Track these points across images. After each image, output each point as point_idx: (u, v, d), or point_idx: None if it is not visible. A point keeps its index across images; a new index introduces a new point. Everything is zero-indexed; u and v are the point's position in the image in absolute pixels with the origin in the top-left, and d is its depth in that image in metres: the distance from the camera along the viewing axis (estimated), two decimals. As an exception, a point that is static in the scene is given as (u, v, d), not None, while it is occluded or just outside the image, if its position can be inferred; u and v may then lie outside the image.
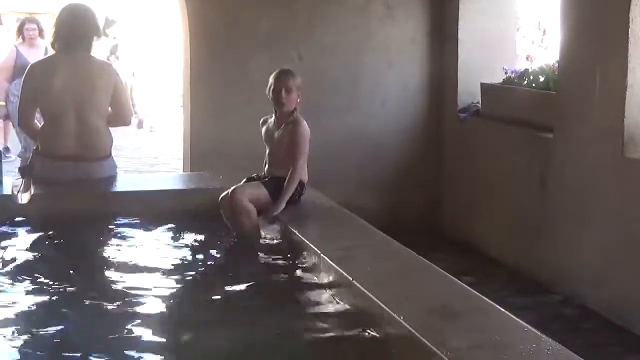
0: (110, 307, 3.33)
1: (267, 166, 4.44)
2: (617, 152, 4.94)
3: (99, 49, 5.10)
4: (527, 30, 13.19)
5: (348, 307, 3.17)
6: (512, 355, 2.48)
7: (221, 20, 6.63)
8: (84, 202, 4.53)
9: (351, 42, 6.88)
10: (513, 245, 6.07)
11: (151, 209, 4.56)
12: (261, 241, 4.19)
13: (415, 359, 2.61)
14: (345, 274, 3.25)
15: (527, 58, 7.64)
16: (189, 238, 4.34)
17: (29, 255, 4.00)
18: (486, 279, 5.52)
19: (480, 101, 6.69)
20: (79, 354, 2.90)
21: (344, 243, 3.72)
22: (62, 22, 4.88)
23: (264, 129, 4.47)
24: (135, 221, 4.49)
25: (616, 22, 4.92)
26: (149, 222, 4.46)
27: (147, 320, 3.20)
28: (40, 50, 8.27)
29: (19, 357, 2.88)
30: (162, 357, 2.91)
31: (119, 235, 4.38)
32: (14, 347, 2.94)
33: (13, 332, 3.04)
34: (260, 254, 4.07)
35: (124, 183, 5.05)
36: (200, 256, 4.13)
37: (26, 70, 4.97)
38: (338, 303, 3.25)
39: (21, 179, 4.58)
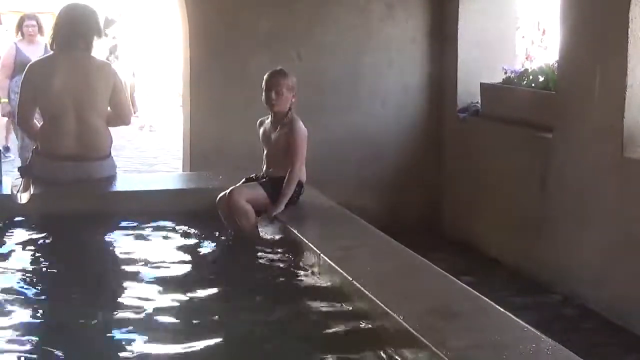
0: (110, 307, 3.33)
1: (265, 167, 4.43)
2: (617, 152, 4.94)
3: (98, 49, 5.09)
4: (527, 30, 13.19)
5: (348, 307, 3.17)
6: (512, 355, 2.48)
7: (221, 20, 6.63)
8: (84, 202, 4.53)
9: (351, 42, 6.88)
10: (513, 245, 6.07)
11: (151, 208, 4.56)
12: (260, 241, 4.19)
13: (415, 358, 2.61)
14: (345, 274, 3.25)
15: (526, 58, 7.64)
16: (189, 238, 4.34)
17: (29, 255, 4.00)
18: (486, 279, 5.52)
19: (480, 101, 6.69)
20: (78, 353, 2.90)
21: (344, 243, 3.72)
22: (63, 20, 4.87)
23: (261, 130, 4.47)
24: (135, 221, 4.48)
25: (616, 22, 4.91)
26: (148, 222, 4.46)
27: (147, 320, 3.19)
28: (40, 47, 8.24)
29: (18, 357, 2.88)
30: (162, 357, 2.91)
31: (119, 235, 4.38)
32: (13, 346, 2.94)
33: (12, 332, 3.04)
34: (260, 254, 4.07)
35: (123, 183, 5.04)
36: (199, 256, 4.13)
37: (25, 70, 4.96)
38: (338, 303, 3.24)
39: (21, 179, 4.58)
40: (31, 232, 4.28)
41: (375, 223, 4.08)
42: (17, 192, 4.42)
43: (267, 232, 4.25)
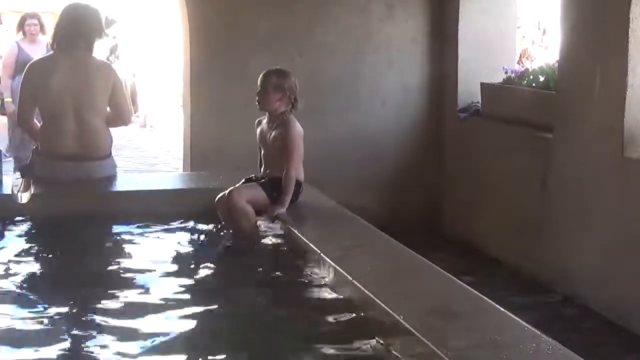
0: (110, 307, 3.33)
1: (262, 167, 4.43)
2: (617, 152, 4.94)
3: (99, 49, 5.09)
4: (527, 30, 13.20)
5: (348, 307, 3.17)
6: (512, 355, 2.48)
7: (221, 20, 6.63)
8: (84, 202, 4.53)
9: (351, 42, 6.88)
10: (513, 245, 6.07)
11: (151, 208, 4.55)
12: (260, 241, 4.19)
13: (415, 358, 2.61)
14: (345, 274, 3.25)
15: (525, 57, 7.65)
16: (189, 238, 4.33)
17: (29, 255, 4.00)
18: (486, 279, 5.51)
19: (480, 101, 6.69)
20: (78, 353, 2.90)
21: (344, 243, 3.72)
22: (65, 20, 4.87)
23: (258, 130, 4.46)
24: (135, 221, 4.48)
25: (616, 22, 4.92)
26: (148, 222, 4.46)
27: (147, 320, 3.19)
28: (42, 46, 8.20)
29: (18, 357, 2.88)
30: (162, 357, 2.91)
31: (119, 234, 4.37)
32: (13, 346, 2.93)
33: (12, 331, 3.04)
34: (260, 254, 4.07)
35: (123, 183, 5.04)
36: (199, 256, 4.12)
37: (25, 69, 4.95)
38: (338, 303, 3.24)
39: (21, 179, 4.58)
40: (31, 232, 4.28)
41: (375, 223, 4.07)
42: (18, 192, 4.42)
43: (267, 233, 4.25)
